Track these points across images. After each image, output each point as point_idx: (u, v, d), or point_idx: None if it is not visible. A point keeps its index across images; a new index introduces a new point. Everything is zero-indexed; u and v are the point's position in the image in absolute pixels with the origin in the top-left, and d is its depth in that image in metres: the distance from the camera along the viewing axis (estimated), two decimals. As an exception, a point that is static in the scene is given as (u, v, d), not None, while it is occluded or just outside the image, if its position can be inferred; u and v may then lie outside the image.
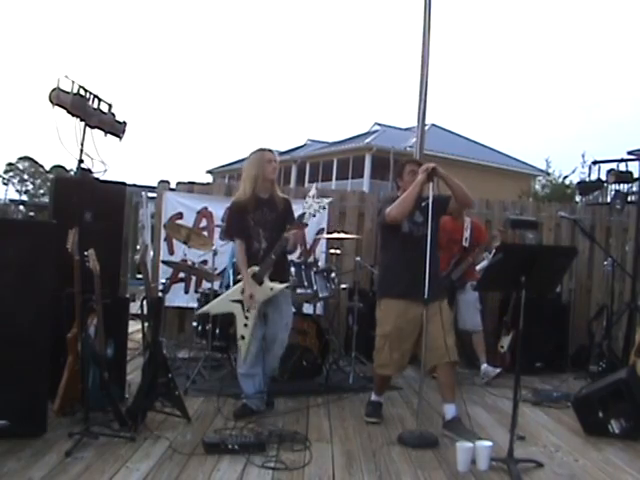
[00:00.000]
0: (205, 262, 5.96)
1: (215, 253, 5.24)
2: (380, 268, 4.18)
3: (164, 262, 5.81)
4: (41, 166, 43.20)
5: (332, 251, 5.90)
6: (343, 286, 5.72)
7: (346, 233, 5.97)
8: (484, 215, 6.62)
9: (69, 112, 4.10)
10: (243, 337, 3.96)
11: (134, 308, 5.15)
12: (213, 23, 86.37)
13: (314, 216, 4.02)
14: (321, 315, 5.85)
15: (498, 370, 5.23)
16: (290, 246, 4.02)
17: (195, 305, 5.35)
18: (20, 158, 43.72)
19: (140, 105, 72.49)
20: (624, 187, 6.27)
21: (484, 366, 5.38)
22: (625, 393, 3.92)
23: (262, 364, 4.04)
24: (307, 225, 4.19)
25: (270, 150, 4.04)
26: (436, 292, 3.80)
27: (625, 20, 72.28)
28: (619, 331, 6.07)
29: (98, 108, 4.29)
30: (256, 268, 3.93)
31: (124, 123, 4.52)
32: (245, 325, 3.96)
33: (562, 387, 5.32)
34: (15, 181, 44.27)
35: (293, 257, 4.65)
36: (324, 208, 4.00)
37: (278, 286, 3.95)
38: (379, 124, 29.84)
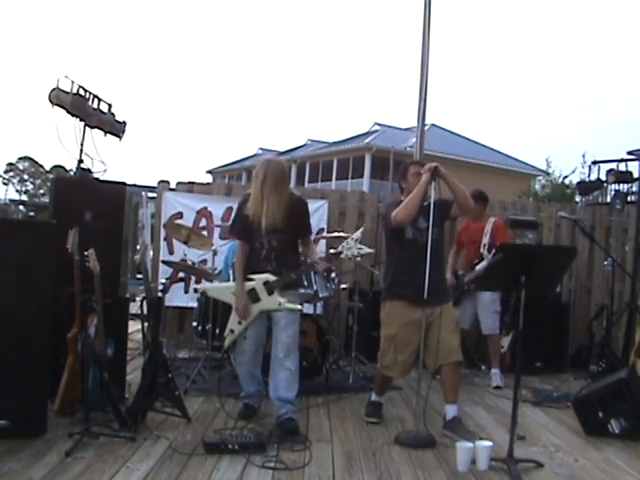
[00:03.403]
0: (205, 262, 5.96)
1: (215, 253, 5.24)
2: (385, 270, 4.16)
3: (164, 262, 5.81)
4: (41, 166, 43.24)
5: (332, 251, 5.88)
6: (343, 286, 5.71)
7: (346, 233, 5.96)
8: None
9: (69, 112, 4.10)
10: (232, 331, 3.87)
11: (134, 308, 5.16)
12: (213, 23, 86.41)
13: (350, 259, 4.05)
14: (321, 315, 5.84)
15: (496, 384, 5.21)
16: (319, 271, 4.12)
17: (195, 305, 5.35)
18: (20, 158, 43.80)
19: (140, 105, 72.58)
20: (624, 187, 6.28)
21: (493, 371, 5.36)
22: (625, 393, 3.92)
23: (259, 363, 3.97)
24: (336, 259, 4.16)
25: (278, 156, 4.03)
26: (441, 295, 3.81)
27: (626, 20, 72.28)
28: (619, 331, 6.07)
29: (98, 108, 4.29)
30: (271, 277, 3.77)
31: (124, 123, 4.52)
32: (239, 322, 3.85)
33: (562, 387, 5.32)
34: (15, 181, 44.29)
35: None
36: (361, 256, 4.06)
37: (287, 305, 3.76)
38: (379, 124, 29.86)
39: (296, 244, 3.95)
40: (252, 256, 3.87)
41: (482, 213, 5.50)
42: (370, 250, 3.95)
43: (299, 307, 3.85)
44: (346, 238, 5.46)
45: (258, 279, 3.80)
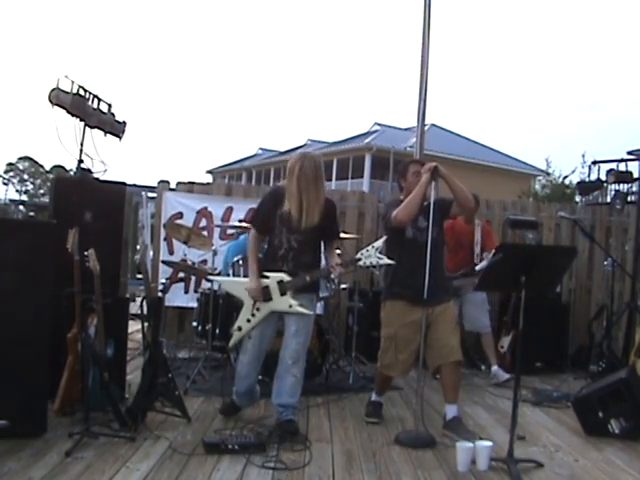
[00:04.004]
0: (205, 262, 5.96)
1: (215, 253, 5.24)
2: (385, 270, 4.16)
3: (164, 262, 5.80)
4: (41, 166, 43.25)
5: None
6: (343, 286, 5.71)
7: (346, 233, 5.96)
8: (484, 215, 6.61)
9: (69, 112, 4.11)
10: (240, 329, 3.75)
11: (134, 308, 5.16)
12: (213, 23, 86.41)
13: (367, 268, 3.90)
14: (321, 315, 5.84)
15: (507, 376, 5.21)
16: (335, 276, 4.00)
17: (195, 305, 5.35)
18: (20, 158, 43.81)
19: (140, 105, 72.59)
20: (624, 187, 6.28)
21: (495, 368, 5.37)
22: (625, 393, 3.92)
23: (260, 364, 3.84)
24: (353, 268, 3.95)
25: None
26: (441, 294, 3.82)
27: (626, 20, 72.28)
28: (619, 331, 6.08)
29: (98, 108, 4.29)
30: (286, 277, 3.68)
31: (124, 123, 4.52)
32: (248, 320, 3.73)
33: (562, 387, 5.32)
34: (15, 181, 44.30)
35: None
36: (380, 266, 3.90)
37: (298, 308, 3.67)
38: (379, 124, 29.85)
39: (317, 246, 3.83)
40: (268, 254, 3.80)
41: (472, 216, 5.45)
42: (390, 262, 3.75)
43: (310, 312, 3.74)
44: (343, 239, 5.46)
45: (272, 277, 3.70)
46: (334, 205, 3.87)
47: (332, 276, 3.94)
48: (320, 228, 3.71)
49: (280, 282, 3.68)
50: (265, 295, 3.71)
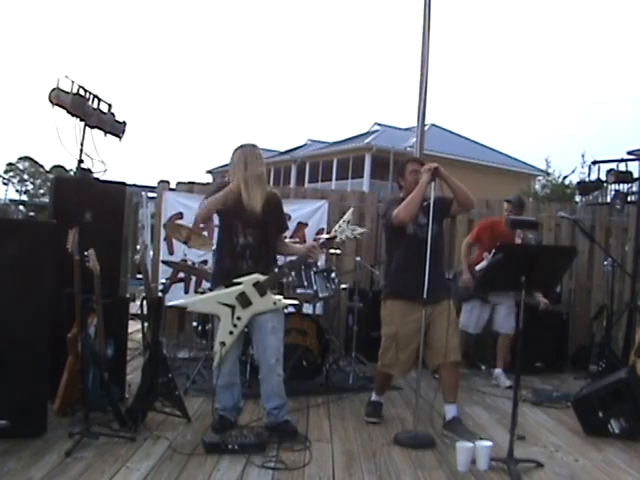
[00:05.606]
0: (205, 262, 5.96)
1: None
2: (385, 269, 4.17)
3: (164, 262, 5.81)
4: (41, 166, 43.30)
5: (332, 251, 5.90)
6: (343, 286, 5.71)
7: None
8: (484, 215, 6.61)
9: (69, 112, 4.11)
10: (224, 344, 3.55)
11: (134, 308, 5.16)
12: (213, 23, 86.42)
13: (343, 242, 3.83)
14: (321, 315, 5.84)
15: (509, 383, 5.19)
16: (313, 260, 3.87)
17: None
18: (20, 158, 43.87)
19: (140, 105, 72.60)
20: (624, 187, 6.28)
21: (498, 371, 5.39)
22: (625, 393, 3.92)
23: (239, 371, 3.77)
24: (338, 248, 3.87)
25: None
26: (441, 293, 3.82)
27: (625, 19, 72.31)
28: (619, 331, 6.08)
29: (98, 108, 4.30)
30: (261, 277, 3.55)
31: (124, 123, 4.53)
32: (231, 332, 3.55)
33: (562, 387, 5.32)
34: (15, 181, 44.34)
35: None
36: (356, 237, 3.81)
37: (283, 301, 3.61)
38: (379, 124, 29.83)
39: (270, 241, 3.73)
40: (224, 252, 3.68)
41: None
42: (364, 229, 3.74)
43: (296, 301, 3.67)
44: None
45: (246, 281, 3.54)
46: (279, 198, 3.81)
47: (313, 259, 3.79)
48: (271, 223, 3.67)
49: (256, 284, 3.55)
50: (243, 302, 3.55)
